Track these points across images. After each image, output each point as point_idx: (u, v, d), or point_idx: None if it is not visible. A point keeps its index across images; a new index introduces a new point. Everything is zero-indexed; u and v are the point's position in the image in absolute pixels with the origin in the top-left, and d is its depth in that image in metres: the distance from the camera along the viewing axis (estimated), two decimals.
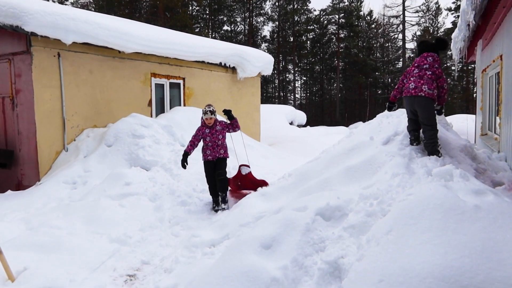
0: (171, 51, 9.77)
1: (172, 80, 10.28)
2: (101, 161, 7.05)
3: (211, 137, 6.06)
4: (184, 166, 6.07)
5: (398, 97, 5.04)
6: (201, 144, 6.25)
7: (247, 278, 2.86)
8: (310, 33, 46.60)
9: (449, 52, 34.32)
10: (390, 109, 5.25)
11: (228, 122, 6.19)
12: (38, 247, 4.27)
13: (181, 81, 10.60)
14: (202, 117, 6.12)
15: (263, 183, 6.12)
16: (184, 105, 10.61)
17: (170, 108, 10.13)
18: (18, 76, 7.31)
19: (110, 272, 4.10)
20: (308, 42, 47.56)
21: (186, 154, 6.08)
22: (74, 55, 7.87)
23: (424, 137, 4.62)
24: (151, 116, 9.47)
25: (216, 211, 5.86)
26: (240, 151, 7.69)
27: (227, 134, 6.34)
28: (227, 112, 6.22)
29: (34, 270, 3.83)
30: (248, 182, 6.55)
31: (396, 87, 5.05)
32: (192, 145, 6.09)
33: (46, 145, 7.29)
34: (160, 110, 10.03)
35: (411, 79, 4.74)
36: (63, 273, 3.87)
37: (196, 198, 6.22)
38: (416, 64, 4.81)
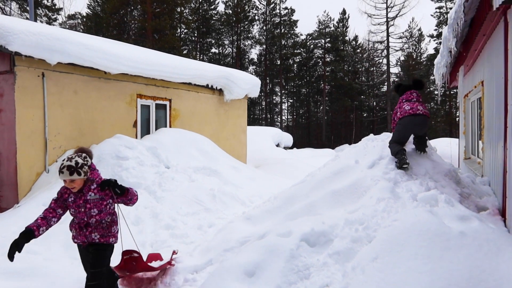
0: (158, 73, 9.76)
1: (158, 101, 10.24)
2: None
3: (77, 210, 3.44)
4: (10, 257, 3.15)
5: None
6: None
7: None
8: (297, 57, 47.39)
9: (432, 77, 35.20)
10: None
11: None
12: (13, 274, 4.09)
13: (167, 102, 10.56)
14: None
15: (163, 267, 4.20)
16: (170, 127, 10.54)
17: (156, 129, 10.05)
18: (1, 96, 7.17)
19: None
20: (295, 65, 48.30)
21: (25, 235, 3.24)
22: (59, 75, 7.79)
23: (420, 143, 5.04)
24: (136, 137, 9.37)
25: None
26: (226, 172, 7.63)
27: None
28: (111, 185, 3.41)
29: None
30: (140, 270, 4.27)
31: (392, 127, 5.31)
32: (44, 218, 3.39)
33: (27, 166, 7.11)
34: (146, 131, 9.93)
35: (412, 105, 4.99)
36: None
37: (180, 222, 6.09)
38: (404, 100, 5.17)
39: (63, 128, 7.84)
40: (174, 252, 4.42)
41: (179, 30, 41.34)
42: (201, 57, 43.68)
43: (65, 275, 4.30)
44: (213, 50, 46.92)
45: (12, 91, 7.04)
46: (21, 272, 4.14)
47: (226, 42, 46.54)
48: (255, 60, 48.43)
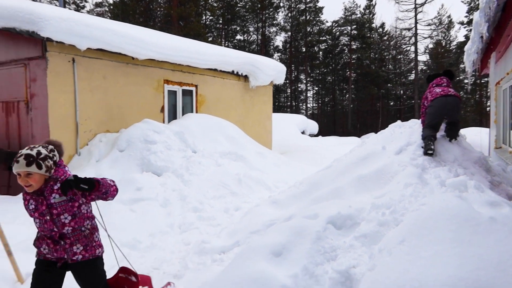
0: (184, 59, 9.87)
1: (185, 87, 10.36)
2: (113, 166, 7.10)
3: (42, 220, 2.67)
4: None
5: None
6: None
7: (257, 285, 2.83)
8: (322, 44, 46.72)
9: (462, 66, 34.06)
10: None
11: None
12: None
13: (193, 88, 10.67)
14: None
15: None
16: (196, 112, 10.66)
17: (183, 114, 10.20)
18: (33, 81, 7.42)
19: None
20: (320, 52, 47.66)
21: None
22: (88, 61, 7.99)
23: (452, 130, 4.87)
24: (164, 122, 9.53)
25: None
26: (251, 158, 7.70)
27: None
28: (72, 183, 2.53)
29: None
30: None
31: (421, 113, 5.20)
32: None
33: None
34: (173, 116, 10.10)
35: (442, 88, 4.93)
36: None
37: (207, 205, 6.21)
38: (434, 85, 5.11)
39: (93, 112, 8.06)
40: (168, 284, 3.75)
41: (204, 17, 41.40)
42: (226, 44, 43.68)
43: None
44: (238, 37, 46.81)
45: (45, 76, 7.27)
46: None
47: (251, 29, 46.33)
48: (280, 47, 48.06)
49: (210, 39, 39.61)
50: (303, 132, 22.67)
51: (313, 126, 25.21)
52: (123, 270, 3.23)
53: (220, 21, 44.30)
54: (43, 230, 2.70)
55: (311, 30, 45.73)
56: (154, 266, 4.38)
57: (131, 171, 6.97)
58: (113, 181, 2.75)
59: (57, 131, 7.34)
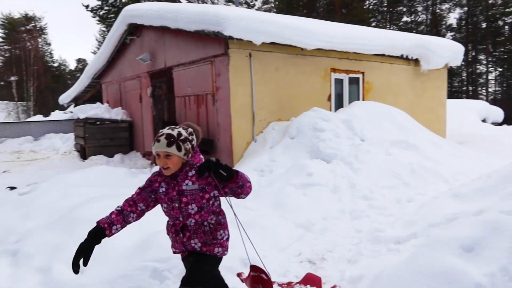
0: (350, 46, 9.74)
1: (351, 75, 10.25)
2: (285, 152, 7.52)
3: (170, 206, 2.52)
4: (75, 267, 2.29)
5: None
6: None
7: (445, 279, 2.65)
8: (508, 17, 39.86)
9: None
10: None
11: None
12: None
13: (360, 76, 10.47)
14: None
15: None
16: (363, 100, 10.44)
17: (349, 103, 10.12)
18: (218, 76, 8.39)
19: (296, 255, 4.36)
20: (506, 27, 40.78)
21: (95, 236, 2.39)
22: (262, 55, 8.59)
23: None
24: (330, 111, 9.63)
25: None
26: (424, 147, 7.17)
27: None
28: (211, 166, 2.35)
29: (235, 242, 4.35)
30: None
31: None
32: (120, 212, 2.51)
33: (239, 136, 8.19)
34: (339, 105, 10.12)
35: None
36: (257, 249, 4.29)
37: (378, 194, 6.06)
38: None
39: (267, 102, 8.67)
40: (334, 287, 3.51)
41: (367, 1, 39.95)
42: (391, 28, 41.34)
43: (275, 230, 4.83)
44: (404, 19, 43.68)
45: (227, 71, 8.13)
46: (244, 222, 4.84)
47: (420, 8, 42.65)
48: (454, 25, 43.00)
49: (373, 24, 38.08)
50: (483, 120, 19.95)
51: (497, 113, 21.90)
52: (254, 268, 3.06)
53: (385, 4, 42.06)
54: (169, 216, 2.60)
55: (493, 2, 39.52)
56: (328, 249, 4.51)
57: (301, 157, 7.27)
58: (249, 179, 2.49)
59: (237, 120, 8.16)
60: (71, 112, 18.41)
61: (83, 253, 2.30)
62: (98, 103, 13.62)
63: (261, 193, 6.05)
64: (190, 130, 2.52)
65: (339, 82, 10.10)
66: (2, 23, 49.62)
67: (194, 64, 9.10)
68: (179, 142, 2.39)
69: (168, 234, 2.66)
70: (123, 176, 7.91)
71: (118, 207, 2.54)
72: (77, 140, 13.36)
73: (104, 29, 42.01)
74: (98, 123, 12.01)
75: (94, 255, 2.37)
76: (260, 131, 8.52)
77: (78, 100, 17.04)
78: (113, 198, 4.65)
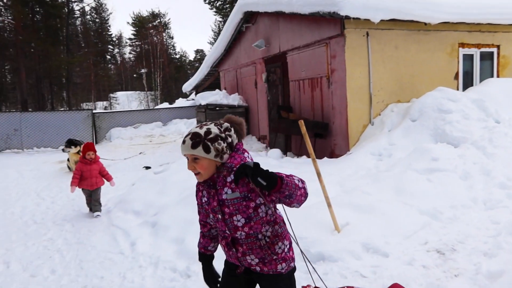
0: (483, 16, 8.66)
1: (483, 49, 9.15)
2: (405, 135, 7.10)
3: (215, 218, 2.11)
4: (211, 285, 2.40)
5: None
6: None
7: None
8: None
9: None
10: None
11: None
12: (355, 207, 4.75)
13: (494, 50, 9.29)
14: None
15: None
16: (498, 77, 9.27)
17: (480, 81, 9.08)
18: (333, 57, 8.21)
19: (422, 243, 4.11)
20: None
21: (204, 264, 2.43)
22: (380, 33, 8.15)
23: None
24: (458, 90, 8.76)
25: None
26: None
27: None
28: (248, 171, 1.76)
29: (354, 226, 4.30)
30: None
31: None
32: (204, 236, 2.41)
33: (355, 118, 7.95)
34: (468, 84, 9.14)
35: None
36: (378, 234, 4.16)
37: None
38: None
39: (385, 83, 8.24)
40: None
41: None
42: None
43: (397, 216, 4.60)
44: None
45: (343, 52, 7.91)
46: (362, 207, 4.74)
47: None
48: None
49: None
50: None
51: None
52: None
53: None
54: (216, 228, 2.27)
55: None
56: (458, 240, 4.15)
57: (423, 141, 6.78)
58: (303, 182, 1.90)
59: (353, 103, 7.92)
60: (193, 99, 19.95)
61: (212, 278, 2.37)
62: (217, 90, 14.47)
63: (379, 177, 5.82)
64: (226, 125, 2.05)
65: (468, 58, 9.09)
66: (133, 21, 55.69)
67: (308, 47, 9.05)
68: (206, 142, 1.94)
69: (220, 243, 2.25)
70: None
71: (200, 231, 2.41)
72: None
73: (220, 19, 44.33)
74: (217, 108, 12.78)
75: None
76: (377, 114, 8.15)
77: (198, 88, 18.34)
78: None
